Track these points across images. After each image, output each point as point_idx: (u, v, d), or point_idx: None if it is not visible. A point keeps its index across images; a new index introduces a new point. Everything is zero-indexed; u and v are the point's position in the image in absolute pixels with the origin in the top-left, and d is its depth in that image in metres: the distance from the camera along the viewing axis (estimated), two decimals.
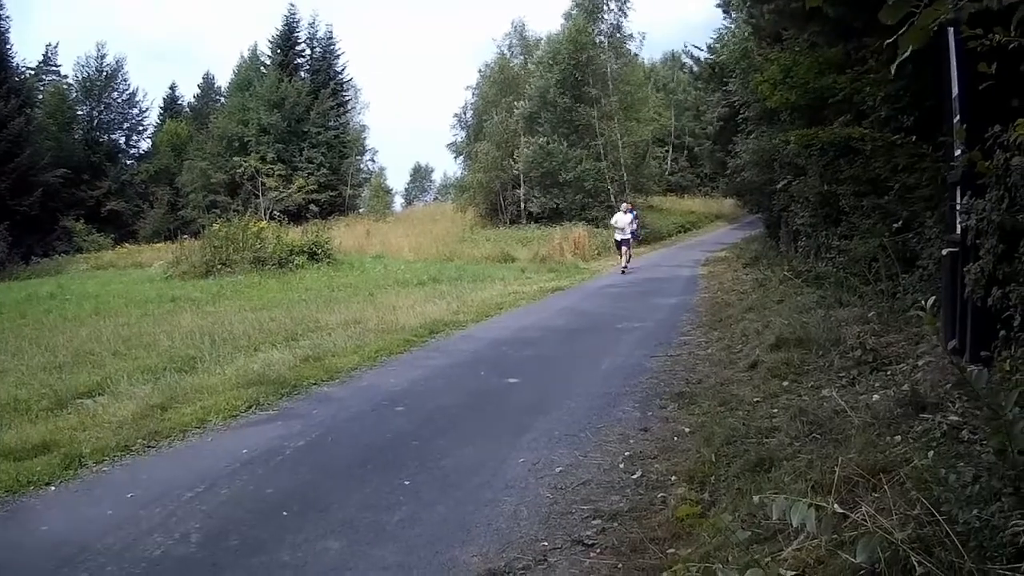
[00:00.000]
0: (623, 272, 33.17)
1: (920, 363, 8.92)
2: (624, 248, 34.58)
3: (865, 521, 4.47)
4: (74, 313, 24.66)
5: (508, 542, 6.31)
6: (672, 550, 5.85)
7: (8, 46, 75.84)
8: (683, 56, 75.54)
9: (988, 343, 7.05)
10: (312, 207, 71.37)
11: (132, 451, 9.30)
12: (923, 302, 4.61)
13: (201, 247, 37.76)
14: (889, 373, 9.04)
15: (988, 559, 4.08)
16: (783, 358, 10.96)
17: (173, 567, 6.14)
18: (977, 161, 5.82)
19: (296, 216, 62.87)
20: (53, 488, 8.13)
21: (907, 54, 3.36)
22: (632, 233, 35.73)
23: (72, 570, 6.05)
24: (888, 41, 3.46)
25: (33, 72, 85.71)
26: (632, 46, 62.12)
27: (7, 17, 75.96)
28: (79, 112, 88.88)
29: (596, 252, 42.71)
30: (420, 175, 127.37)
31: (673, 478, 7.45)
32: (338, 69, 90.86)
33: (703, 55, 49.87)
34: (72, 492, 8.04)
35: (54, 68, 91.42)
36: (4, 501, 7.74)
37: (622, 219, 35.07)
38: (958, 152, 7.53)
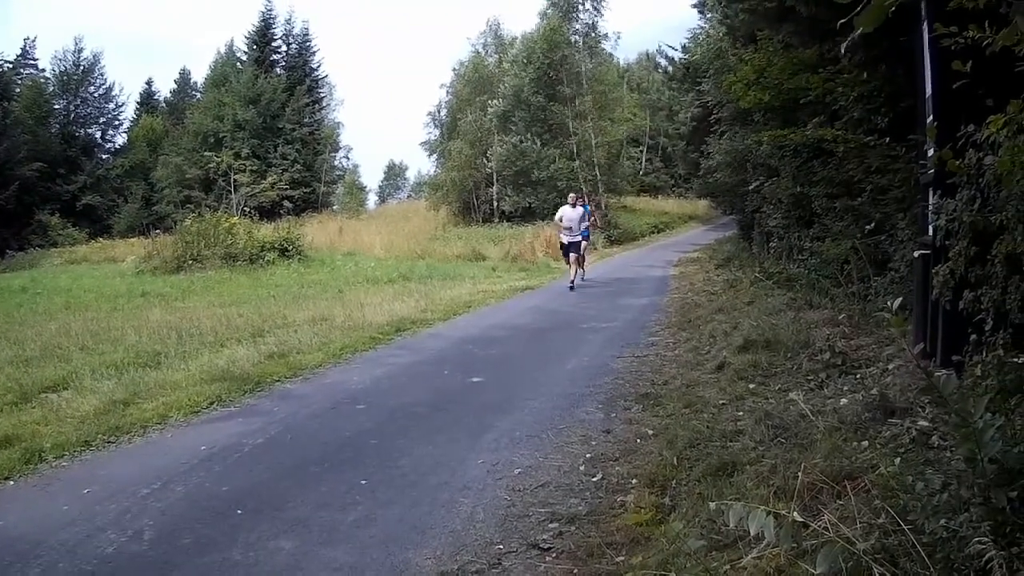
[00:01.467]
0: (571, 287, 25.45)
1: (890, 367, 8.91)
2: (573, 255, 26.76)
3: (827, 530, 4.42)
4: (45, 307, 24.70)
5: (463, 544, 6.23)
6: (628, 557, 5.78)
7: None
8: (657, 56, 76.86)
9: (959, 347, 6.97)
10: (286, 204, 71.73)
11: (92, 446, 9.25)
12: (890, 303, 4.48)
13: (173, 242, 37.83)
14: (858, 377, 8.99)
15: (955, 571, 4.02)
16: (751, 360, 10.91)
17: (125, 564, 6.07)
18: (948, 160, 5.70)
19: (270, 213, 62.87)
20: (11, 483, 8.12)
21: (860, 31, 3.30)
22: (583, 234, 28.04)
23: (25, 566, 6.02)
24: (843, 21, 3.40)
25: (11, 65, 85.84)
26: (607, 46, 62.98)
27: None
28: (56, 106, 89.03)
29: None
30: (394, 173, 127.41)
31: (634, 481, 7.35)
32: (314, 66, 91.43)
33: (677, 55, 50.40)
34: (30, 487, 8.01)
35: (32, 62, 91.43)
36: None
37: (570, 215, 26.86)
38: (930, 152, 7.44)
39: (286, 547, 6.28)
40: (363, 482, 7.73)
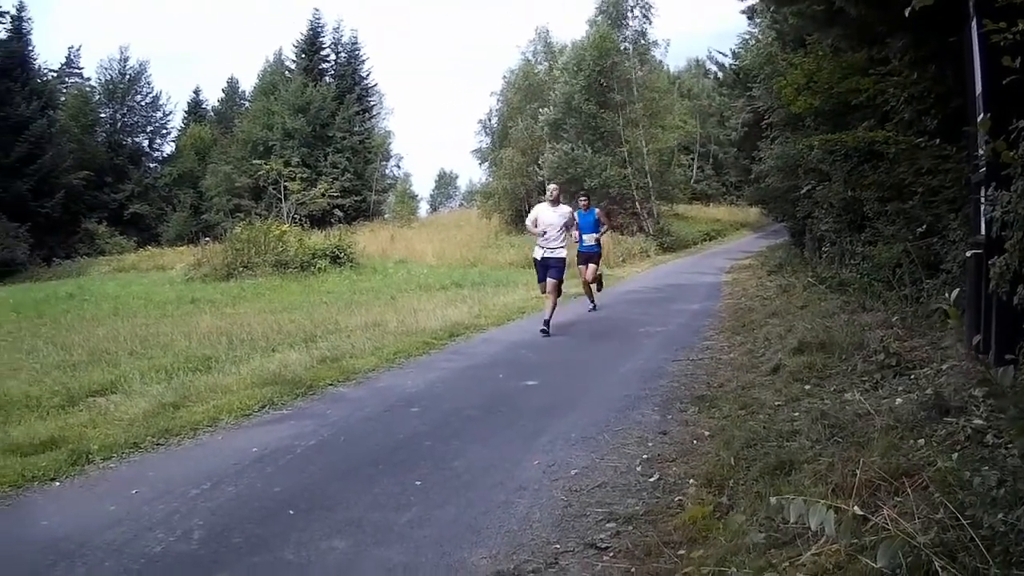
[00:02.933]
0: (544, 329, 17.14)
1: (944, 367, 8.83)
2: (552, 280, 17.95)
3: (887, 525, 4.38)
4: (92, 313, 24.92)
5: (519, 544, 6.21)
6: (687, 554, 5.70)
7: (30, 48, 76.53)
8: (708, 62, 75.79)
9: (1013, 345, 6.92)
10: (337, 212, 71.51)
11: (141, 448, 9.31)
12: (947, 295, 4.50)
13: (223, 250, 38.08)
14: (912, 377, 8.91)
15: (1014, 564, 3.96)
16: (806, 362, 10.87)
17: (172, 564, 6.10)
18: (1002, 151, 5.70)
19: (321, 221, 62.73)
20: (58, 484, 8.15)
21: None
22: (593, 249, 21.76)
23: (70, 565, 6.04)
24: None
25: (55, 74, 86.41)
26: (657, 53, 62.53)
27: (29, 19, 76.48)
28: (102, 115, 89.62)
29: (621, 259, 42.24)
30: (445, 181, 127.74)
31: (691, 481, 7.28)
32: (363, 75, 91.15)
33: (727, 61, 49.84)
34: (77, 488, 8.06)
35: (77, 71, 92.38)
36: (5, 496, 7.76)
37: (549, 218, 18.14)
38: (982, 148, 7.42)
39: (339, 547, 6.28)
40: (417, 483, 7.72)
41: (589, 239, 21.72)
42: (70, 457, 8.73)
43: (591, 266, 21.82)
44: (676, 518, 6.47)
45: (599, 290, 22.72)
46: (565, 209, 18.45)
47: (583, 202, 22.55)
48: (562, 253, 18.01)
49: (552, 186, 20.06)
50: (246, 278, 34.16)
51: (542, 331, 16.94)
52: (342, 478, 8.06)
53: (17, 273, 58.57)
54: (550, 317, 17.33)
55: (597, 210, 23.55)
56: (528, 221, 18.76)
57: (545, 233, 17.76)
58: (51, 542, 6.46)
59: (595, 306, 21.76)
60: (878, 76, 13.98)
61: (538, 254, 18.10)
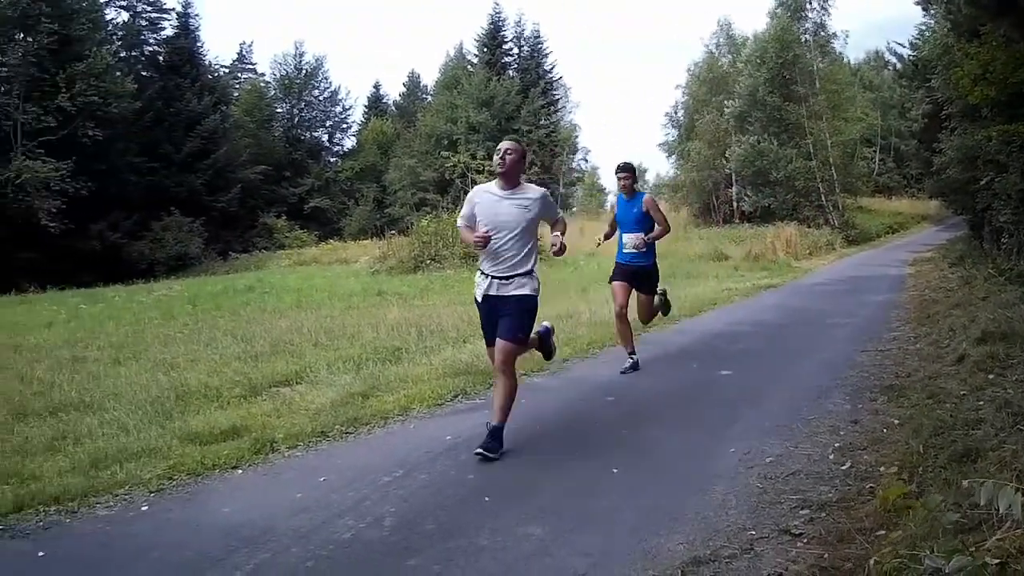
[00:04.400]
0: (489, 449, 8.48)
1: None
2: (504, 344, 8.71)
3: None
4: (273, 306, 25.17)
5: (715, 531, 6.27)
6: (877, 538, 5.72)
7: (199, 44, 78.71)
8: (886, 53, 75.38)
9: None
10: None
11: (328, 437, 9.48)
12: None
13: (409, 243, 38.38)
14: None
15: None
16: (989, 352, 11.07)
17: (362, 550, 6.23)
18: None
19: None
20: (240, 472, 8.34)
21: None
22: (639, 260, 13.28)
23: (253, 551, 6.20)
24: None
25: (227, 70, 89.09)
26: (836, 44, 61.82)
27: (196, 16, 78.49)
28: (278, 110, 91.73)
29: (807, 251, 42.34)
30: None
31: (882, 469, 7.35)
32: (547, 68, 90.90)
33: (905, 52, 49.53)
34: (260, 476, 8.26)
35: (249, 66, 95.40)
36: (185, 484, 7.95)
37: (492, 210, 8.86)
38: None
39: (535, 533, 6.36)
40: (614, 470, 7.83)
41: (632, 242, 13.15)
42: (253, 445, 8.96)
43: (643, 297, 13.67)
44: (868, 504, 6.57)
45: (665, 313, 15.14)
46: (532, 193, 8.99)
47: (624, 180, 13.22)
48: (528, 288, 8.92)
49: (505, 144, 8.98)
50: (434, 271, 34.32)
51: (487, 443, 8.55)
52: (537, 465, 8.20)
53: (191, 267, 60.76)
54: (499, 417, 8.75)
55: (647, 195, 13.53)
56: (460, 219, 9.43)
57: (487, 244, 8.78)
58: (233, 528, 6.66)
59: (635, 361, 13.09)
60: None
61: (480, 289, 9.04)
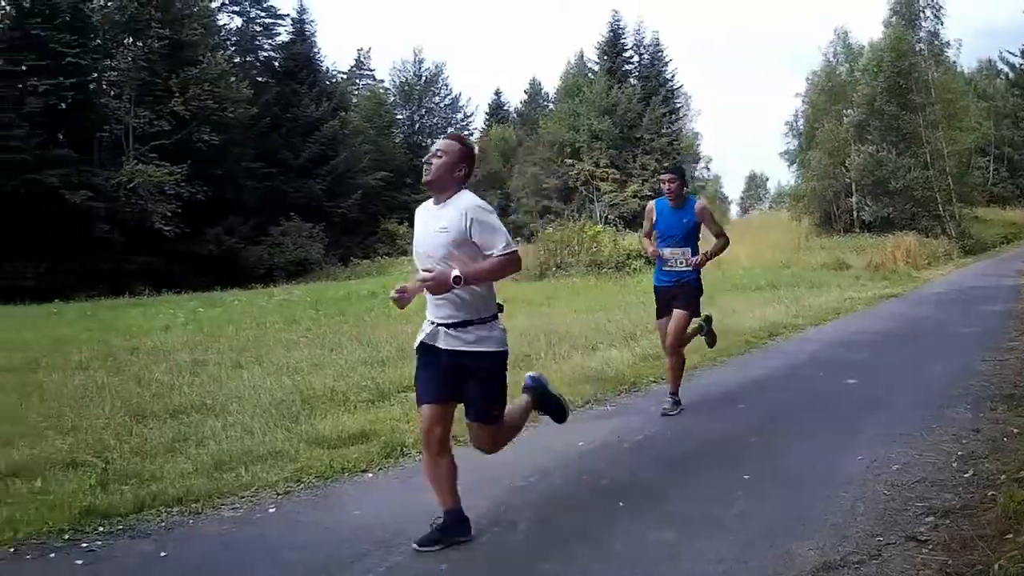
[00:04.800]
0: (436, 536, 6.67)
1: None
2: (429, 413, 6.43)
3: None
4: (397, 312, 24.43)
5: (844, 536, 6.30)
6: (999, 546, 5.78)
7: (315, 50, 79.65)
8: (998, 62, 74.47)
9: None
10: None
11: (460, 442, 8.31)
12: None
13: (535, 250, 38.35)
14: None
15: None
16: None
17: (496, 553, 6.34)
18: None
19: (632, 222, 62.37)
20: (370, 475, 8.44)
21: None
22: (684, 277, 10.79)
23: (385, 553, 6.26)
24: None
25: (345, 76, 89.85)
26: (950, 53, 61.17)
27: (312, 22, 79.57)
28: (398, 116, 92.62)
29: (927, 261, 42.02)
30: (755, 183, 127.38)
31: (1003, 477, 7.33)
32: (667, 76, 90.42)
33: (1017, 60, 49.15)
34: (391, 479, 8.35)
35: (368, 72, 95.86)
36: (314, 486, 8.07)
37: (418, 235, 6.62)
38: None
39: (667, 538, 6.42)
40: (745, 477, 7.88)
41: (676, 258, 10.78)
42: (383, 449, 9.03)
43: (678, 313, 10.81)
44: (990, 511, 6.58)
45: (711, 344, 12.62)
46: (458, 205, 6.44)
47: (669, 183, 10.66)
48: (492, 342, 6.51)
49: (437, 144, 6.88)
50: (560, 277, 34.56)
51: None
52: (669, 472, 8.32)
53: (311, 272, 61.20)
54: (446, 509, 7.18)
55: (700, 200, 11.11)
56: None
57: (405, 293, 6.59)
58: (364, 531, 6.74)
59: (676, 401, 10.98)
60: None
61: (421, 335, 6.61)
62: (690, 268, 10.65)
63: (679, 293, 10.77)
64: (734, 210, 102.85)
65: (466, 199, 6.44)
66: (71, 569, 6.24)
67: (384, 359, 14.87)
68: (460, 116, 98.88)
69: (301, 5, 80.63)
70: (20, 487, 7.92)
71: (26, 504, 7.35)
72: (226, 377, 13.65)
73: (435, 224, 6.40)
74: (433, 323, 6.44)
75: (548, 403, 7.66)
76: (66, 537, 6.76)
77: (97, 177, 54.37)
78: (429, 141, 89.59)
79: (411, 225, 6.86)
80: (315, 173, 71.80)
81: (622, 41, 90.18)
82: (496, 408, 6.62)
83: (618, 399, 11.76)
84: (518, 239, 46.04)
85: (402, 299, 6.51)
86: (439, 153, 6.56)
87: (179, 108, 58.00)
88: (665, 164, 15.12)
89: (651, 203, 11.26)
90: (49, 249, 51.77)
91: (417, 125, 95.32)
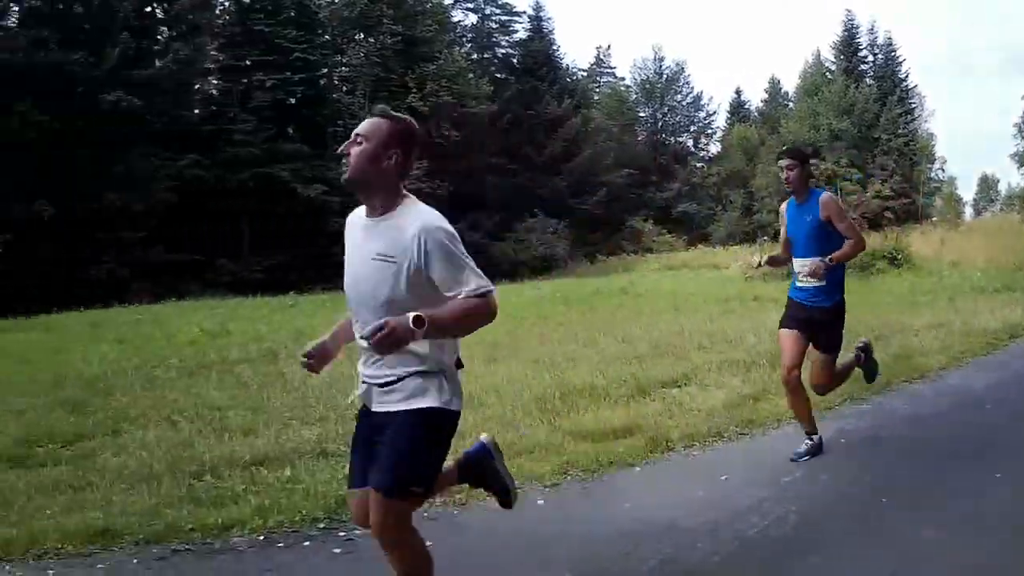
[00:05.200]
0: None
1: None
2: (373, 495, 4.55)
3: None
4: (649, 308, 25.19)
5: None
6: None
7: (554, 47, 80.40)
8: None
9: None
10: (887, 214, 70.52)
11: (724, 437, 9.59)
12: None
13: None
14: None
15: None
16: None
17: (767, 546, 6.31)
18: None
19: (871, 223, 62.01)
20: (637, 469, 8.50)
21: None
22: (816, 299, 8.55)
23: (659, 543, 6.34)
24: None
25: (585, 73, 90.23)
26: None
27: (549, 19, 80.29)
28: (641, 114, 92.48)
29: None
30: (987, 185, 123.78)
31: None
32: (901, 76, 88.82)
33: None
34: (658, 473, 8.41)
35: (608, 70, 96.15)
36: (581, 479, 8.21)
37: (352, 264, 4.74)
38: None
39: (929, 536, 6.31)
40: (996, 475, 7.70)
41: (807, 271, 8.58)
42: (648, 444, 9.08)
43: (822, 357, 8.82)
44: None
45: (869, 380, 10.15)
46: (419, 223, 4.52)
47: (787, 170, 8.70)
48: (430, 398, 4.59)
49: (361, 126, 4.59)
50: None
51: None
52: (923, 469, 8.25)
53: (556, 268, 61.32)
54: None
55: (825, 193, 8.99)
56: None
57: (313, 358, 4.94)
58: (636, 521, 6.85)
59: (815, 441, 8.68)
60: None
61: (358, 389, 4.85)
62: (823, 283, 8.46)
63: (816, 322, 8.59)
64: (967, 211, 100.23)
65: (421, 216, 4.57)
66: (329, 556, 6.54)
67: (640, 355, 14.99)
68: (703, 115, 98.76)
69: (537, 2, 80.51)
70: (267, 476, 8.30)
71: (275, 493, 7.69)
72: (481, 371, 13.67)
73: (370, 246, 4.59)
74: (365, 382, 4.74)
75: (492, 479, 5.66)
76: (321, 526, 7.07)
77: (331, 171, 55.05)
78: (673, 140, 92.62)
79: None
80: (559, 170, 72.53)
81: (856, 41, 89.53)
82: (412, 476, 4.62)
83: (872, 398, 11.50)
84: (765, 238, 43.77)
85: (312, 366, 4.92)
86: (359, 139, 4.55)
87: (417, 103, 58.74)
88: (783, 148, 12.43)
89: (783, 203, 9.27)
90: (281, 243, 53.81)
91: (660, 123, 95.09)
